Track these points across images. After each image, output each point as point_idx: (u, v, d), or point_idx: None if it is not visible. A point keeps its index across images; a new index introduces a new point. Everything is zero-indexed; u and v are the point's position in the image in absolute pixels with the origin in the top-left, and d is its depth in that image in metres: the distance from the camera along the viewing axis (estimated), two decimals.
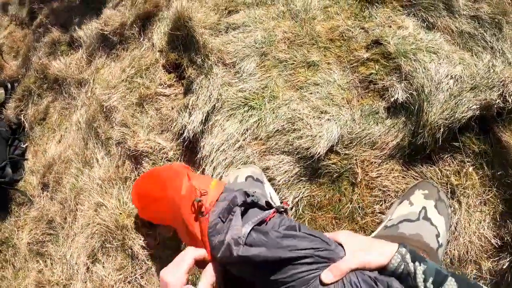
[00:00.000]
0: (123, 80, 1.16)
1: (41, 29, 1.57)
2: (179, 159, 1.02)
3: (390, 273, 0.52)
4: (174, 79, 1.08)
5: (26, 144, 1.42)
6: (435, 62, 0.97)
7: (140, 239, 1.08)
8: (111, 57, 1.28)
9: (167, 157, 1.03)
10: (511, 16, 1.22)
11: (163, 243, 1.03)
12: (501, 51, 1.10)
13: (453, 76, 0.96)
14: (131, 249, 1.09)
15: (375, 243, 0.55)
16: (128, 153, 1.10)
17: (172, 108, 1.04)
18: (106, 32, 1.29)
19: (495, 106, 0.94)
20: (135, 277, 1.10)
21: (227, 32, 1.06)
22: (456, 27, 1.08)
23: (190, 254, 0.56)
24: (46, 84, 1.43)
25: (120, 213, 1.12)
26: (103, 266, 1.11)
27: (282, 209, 0.60)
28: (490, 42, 1.09)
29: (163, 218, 0.89)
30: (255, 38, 1.02)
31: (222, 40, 1.04)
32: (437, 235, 0.72)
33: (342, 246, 0.55)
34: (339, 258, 0.52)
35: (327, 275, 0.51)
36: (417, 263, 0.50)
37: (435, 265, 0.51)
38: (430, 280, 0.49)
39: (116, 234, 1.12)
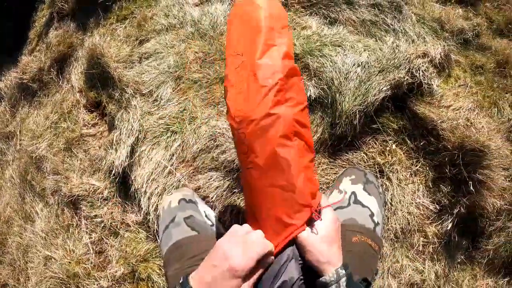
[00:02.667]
0: (48, 127, 1.14)
1: None
2: (115, 195, 1.00)
3: (323, 284, 0.51)
4: (97, 118, 1.07)
5: None
6: (341, 54, 1.02)
7: (94, 284, 1.05)
8: (34, 105, 1.25)
9: (103, 196, 1.02)
10: None
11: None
12: (403, 31, 1.17)
13: (360, 63, 1.01)
14: None
15: (334, 247, 0.53)
16: (65, 200, 1.07)
17: (99, 147, 1.03)
18: (25, 81, 1.26)
19: (405, 83, 1.00)
20: None
21: (140, 62, 1.07)
22: (357, 17, 1.14)
23: (265, 246, 0.51)
24: None
25: (69, 262, 1.09)
26: None
27: None
28: (392, 25, 1.16)
29: None
30: (168, 63, 1.03)
31: (137, 71, 1.05)
32: (371, 215, 0.75)
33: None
34: None
35: None
36: None
37: None
38: None
39: (69, 284, 1.09)
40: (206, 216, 0.83)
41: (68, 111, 1.10)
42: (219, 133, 0.92)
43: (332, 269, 0.51)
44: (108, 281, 1.04)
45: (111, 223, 1.03)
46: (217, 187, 0.91)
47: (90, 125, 1.06)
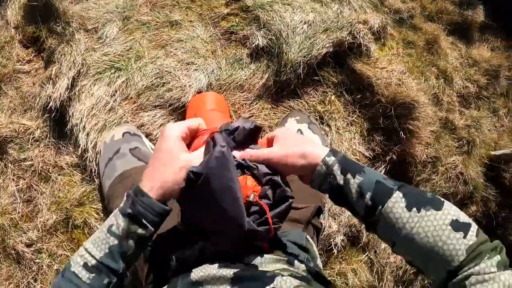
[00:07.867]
0: None
1: None
2: (48, 136, 0.94)
3: (317, 189, 0.43)
4: (33, 54, 0.99)
5: None
6: (289, 12, 1.08)
7: (22, 236, 0.96)
8: None
9: (34, 137, 0.94)
10: None
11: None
12: (347, 1, 1.28)
13: (307, 21, 1.08)
14: (15, 250, 0.96)
15: (305, 144, 0.44)
16: None
17: (34, 84, 0.96)
18: None
19: (346, 42, 1.09)
20: (28, 282, 0.97)
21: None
22: None
23: (199, 120, 0.49)
24: None
25: None
26: None
27: None
28: None
29: None
30: (116, 3, 1.01)
31: (83, 7, 1.01)
32: None
33: None
34: None
35: (235, 152, 0.45)
36: (349, 175, 0.40)
37: (378, 175, 0.41)
38: (368, 195, 0.39)
39: None
40: (151, 149, 0.82)
41: (1, 47, 1.01)
42: (166, 71, 0.92)
43: (316, 158, 0.42)
44: (38, 232, 0.95)
45: (42, 166, 0.95)
46: (161, 125, 0.90)
47: (25, 61, 0.98)
